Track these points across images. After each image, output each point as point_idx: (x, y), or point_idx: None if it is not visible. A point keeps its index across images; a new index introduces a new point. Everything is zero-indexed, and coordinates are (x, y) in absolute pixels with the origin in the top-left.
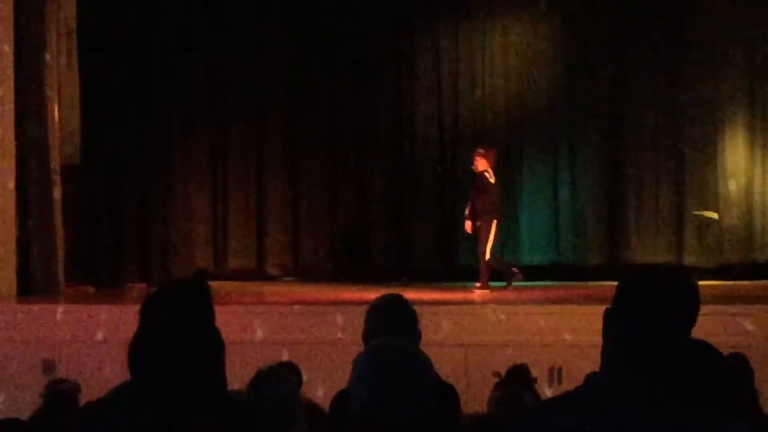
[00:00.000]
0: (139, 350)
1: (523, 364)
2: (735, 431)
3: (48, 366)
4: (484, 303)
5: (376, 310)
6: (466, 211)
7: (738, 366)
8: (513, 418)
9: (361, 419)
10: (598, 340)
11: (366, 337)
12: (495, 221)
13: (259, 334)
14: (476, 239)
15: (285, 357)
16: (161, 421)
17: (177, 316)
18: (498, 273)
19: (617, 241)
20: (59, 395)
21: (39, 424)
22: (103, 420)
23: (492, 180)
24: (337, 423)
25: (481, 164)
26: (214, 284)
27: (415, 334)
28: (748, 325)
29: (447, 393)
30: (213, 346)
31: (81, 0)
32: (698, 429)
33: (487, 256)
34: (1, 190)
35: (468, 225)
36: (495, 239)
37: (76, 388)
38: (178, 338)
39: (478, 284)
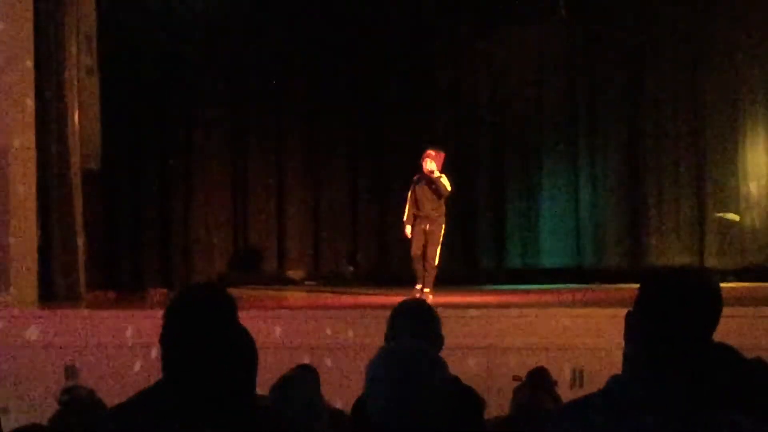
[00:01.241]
0: (165, 354)
1: (543, 367)
2: None
3: (70, 372)
4: (506, 306)
5: (399, 313)
6: (407, 215)
7: (761, 369)
8: (535, 420)
9: (377, 422)
10: (620, 342)
11: (388, 341)
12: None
13: (280, 338)
14: (424, 243)
15: (306, 361)
16: (187, 426)
17: (202, 318)
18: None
19: (638, 243)
20: (76, 400)
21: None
22: (128, 424)
23: (447, 184)
24: (361, 428)
25: (434, 166)
26: (235, 290)
27: (438, 339)
28: None
29: (469, 396)
30: (239, 349)
31: (101, 7)
32: (721, 430)
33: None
34: (21, 196)
35: (409, 229)
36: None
37: (90, 393)
38: (203, 341)
39: (426, 288)
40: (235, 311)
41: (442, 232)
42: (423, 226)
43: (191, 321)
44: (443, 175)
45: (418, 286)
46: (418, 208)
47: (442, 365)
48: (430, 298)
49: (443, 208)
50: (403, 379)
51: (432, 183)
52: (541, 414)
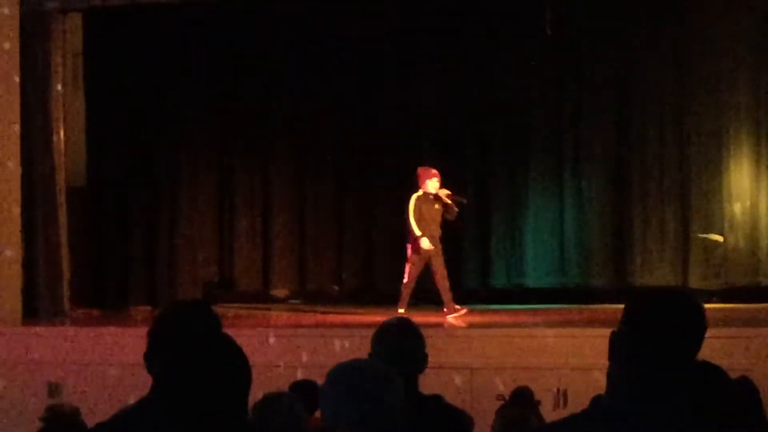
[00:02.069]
0: (149, 371)
1: (527, 386)
2: None
3: (53, 389)
4: (490, 326)
5: (383, 333)
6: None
7: (745, 387)
8: None
9: None
10: (604, 362)
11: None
12: None
13: (264, 357)
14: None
15: (293, 379)
16: None
17: (186, 336)
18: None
19: (622, 263)
20: (59, 418)
21: None
22: None
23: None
24: None
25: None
26: (221, 307)
27: (422, 358)
28: (753, 348)
29: (457, 417)
30: (226, 366)
31: (87, 24)
32: None
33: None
34: (6, 213)
35: (426, 242)
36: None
37: (75, 412)
38: (187, 359)
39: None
40: (220, 328)
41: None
42: (439, 247)
43: (176, 338)
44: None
45: (446, 310)
46: (422, 228)
47: (392, 382)
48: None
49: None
50: (350, 396)
51: (447, 205)
52: None
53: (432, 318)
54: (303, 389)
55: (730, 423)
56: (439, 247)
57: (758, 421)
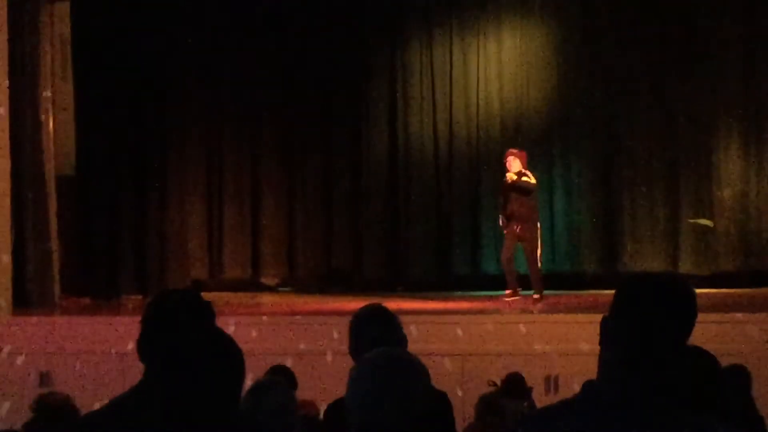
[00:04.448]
0: (141, 360)
1: (518, 373)
2: None
3: (44, 378)
4: (481, 312)
5: (360, 322)
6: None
7: (735, 373)
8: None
9: (356, 426)
10: (595, 348)
11: (354, 351)
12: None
13: (254, 344)
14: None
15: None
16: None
17: (178, 324)
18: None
19: (613, 249)
20: (49, 407)
21: None
22: (102, 430)
23: (533, 181)
24: None
25: (517, 166)
26: (210, 295)
27: (402, 340)
28: (745, 333)
29: (440, 401)
30: (217, 355)
31: (76, 11)
32: None
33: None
34: None
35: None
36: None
37: (66, 400)
38: (179, 347)
39: (536, 294)
40: (212, 317)
41: (538, 232)
42: (514, 228)
43: (168, 327)
44: (527, 173)
45: (508, 291)
46: (504, 209)
47: (425, 372)
48: (539, 302)
49: (532, 205)
50: (389, 387)
51: (512, 187)
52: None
53: (423, 304)
54: (281, 373)
55: (719, 408)
56: (528, 224)
57: (747, 406)
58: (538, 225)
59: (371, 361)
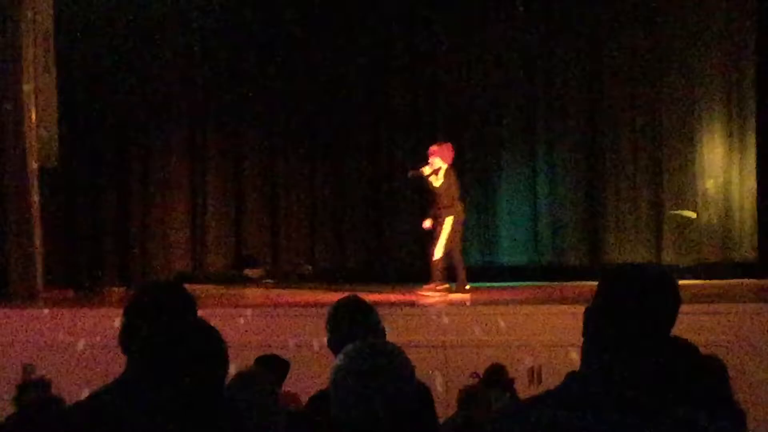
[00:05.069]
0: (124, 352)
1: (501, 364)
2: (714, 429)
3: (28, 371)
4: (464, 304)
5: (337, 314)
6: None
7: (714, 364)
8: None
9: (339, 419)
10: (578, 339)
11: (333, 344)
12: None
13: (238, 337)
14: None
15: None
16: (147, 423)
17: (161, 316)
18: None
19: (596, 240)
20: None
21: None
22: (86, 422)
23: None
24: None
25: (436, 162)
26: (194, 288)
27: (380, 332)
28: (726, 324)
29: (421, 393)
30: (201, 347)
31: (58, 4)
32: (678, 427)
33: (439, 254)
34: None
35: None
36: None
37: (48, 389)
38: (161, 339)
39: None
40: (194, 309)
41: (447, 227)
42: (431, 224)
43: (150, 319)
44: (431, 168)
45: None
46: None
47: (409, 366)
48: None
49: (445, 203)
50: (373, 379)
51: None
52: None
53: (407, 296)
54: (268, 364)
55: (701, 398)
56: (440, 218)
57: (725, 397)
58: (449, 221)
59: (355, 354)
